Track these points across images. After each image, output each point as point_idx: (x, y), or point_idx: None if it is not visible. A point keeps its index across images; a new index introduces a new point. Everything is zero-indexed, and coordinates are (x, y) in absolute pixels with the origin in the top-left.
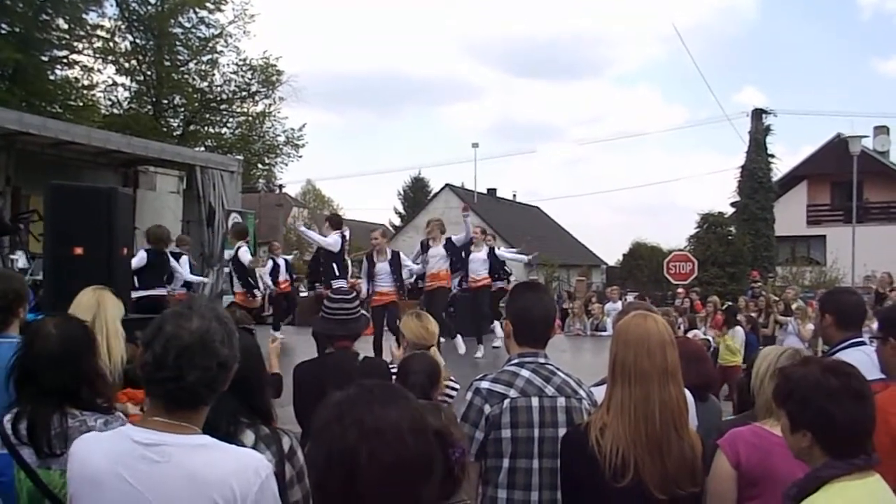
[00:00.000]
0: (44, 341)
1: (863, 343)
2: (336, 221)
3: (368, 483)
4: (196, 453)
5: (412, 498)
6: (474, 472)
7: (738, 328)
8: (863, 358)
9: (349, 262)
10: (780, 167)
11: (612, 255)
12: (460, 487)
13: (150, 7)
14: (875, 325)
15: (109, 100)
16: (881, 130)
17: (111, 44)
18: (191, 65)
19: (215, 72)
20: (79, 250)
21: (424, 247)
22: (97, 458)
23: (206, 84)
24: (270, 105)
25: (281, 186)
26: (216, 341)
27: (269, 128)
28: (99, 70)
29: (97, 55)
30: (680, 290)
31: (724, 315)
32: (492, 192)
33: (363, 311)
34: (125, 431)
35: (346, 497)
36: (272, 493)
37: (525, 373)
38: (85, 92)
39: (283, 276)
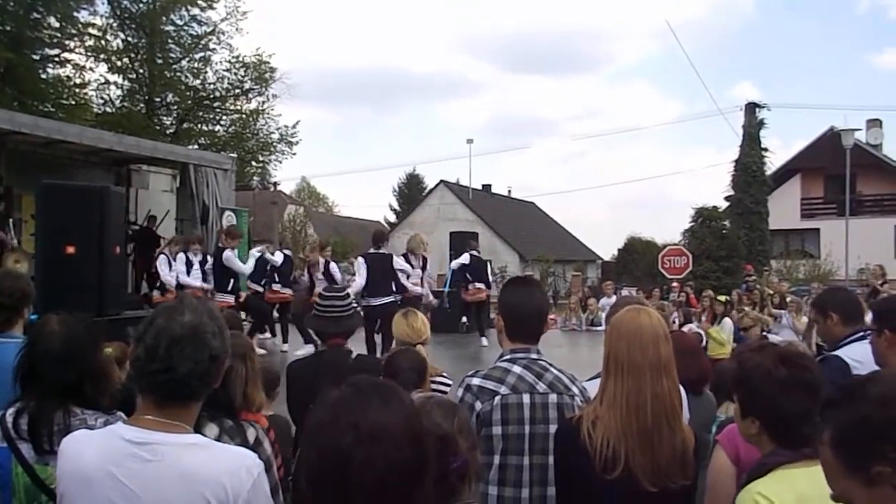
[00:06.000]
0: (48, 338)
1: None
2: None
3: (359, 486)
4: (188, 452)
5: (403, 499)
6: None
7: (727, 320)
8: (868, 350)
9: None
10: (774, 161)
11: (607, 250)
12: (458, 495)
13: (141, 5)
14: (869, 318)
15: (101, 98)
16: (874, 123)
17: (103, 42)
18: (183, 62)
19: (208, 69)
20: (71, 249)
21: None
22: (88, 457)
23: (198, 82)
24: (264, 102)
25: (275, 184)
26: (207, 334)
27: (263, 125)
28: (91, 68)
29: (89, 53)
30: (675, 284)
31: (715, 307)
32: (487, 187)
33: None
34: (116, 430)
35: (335, 497)
36: (264, 492)
37: (517, 369)
38: (77, 90)
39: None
